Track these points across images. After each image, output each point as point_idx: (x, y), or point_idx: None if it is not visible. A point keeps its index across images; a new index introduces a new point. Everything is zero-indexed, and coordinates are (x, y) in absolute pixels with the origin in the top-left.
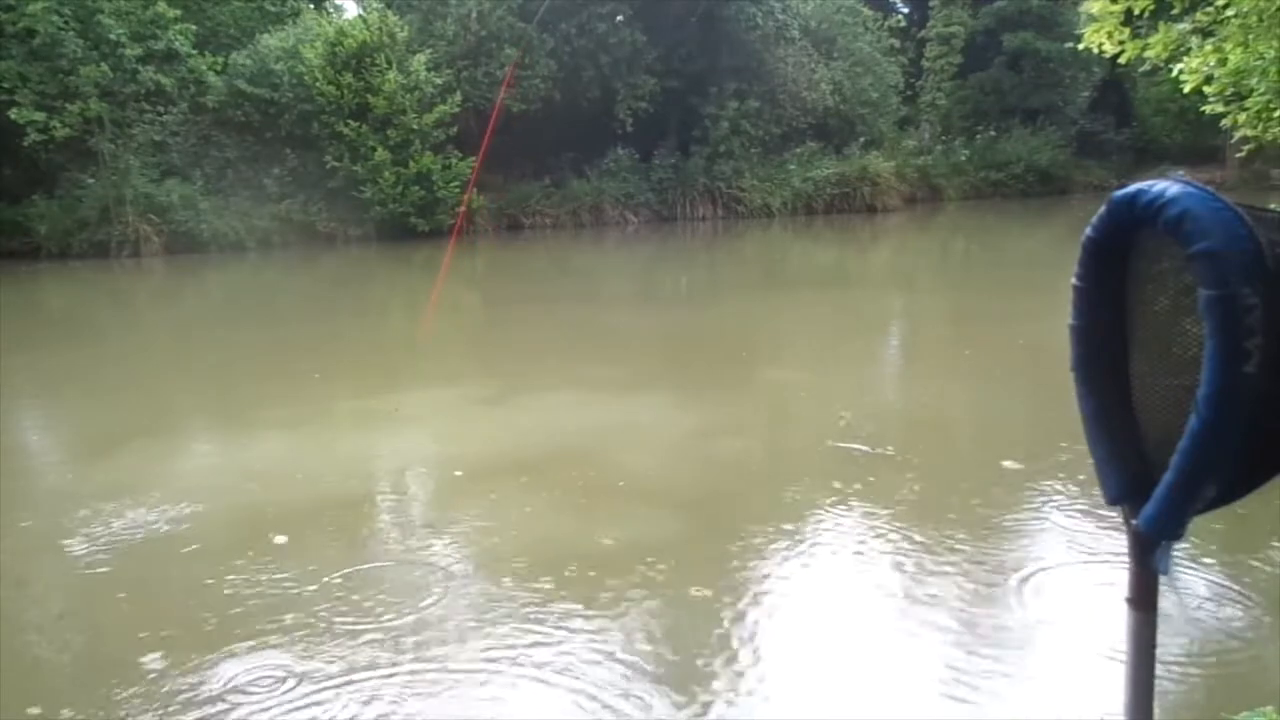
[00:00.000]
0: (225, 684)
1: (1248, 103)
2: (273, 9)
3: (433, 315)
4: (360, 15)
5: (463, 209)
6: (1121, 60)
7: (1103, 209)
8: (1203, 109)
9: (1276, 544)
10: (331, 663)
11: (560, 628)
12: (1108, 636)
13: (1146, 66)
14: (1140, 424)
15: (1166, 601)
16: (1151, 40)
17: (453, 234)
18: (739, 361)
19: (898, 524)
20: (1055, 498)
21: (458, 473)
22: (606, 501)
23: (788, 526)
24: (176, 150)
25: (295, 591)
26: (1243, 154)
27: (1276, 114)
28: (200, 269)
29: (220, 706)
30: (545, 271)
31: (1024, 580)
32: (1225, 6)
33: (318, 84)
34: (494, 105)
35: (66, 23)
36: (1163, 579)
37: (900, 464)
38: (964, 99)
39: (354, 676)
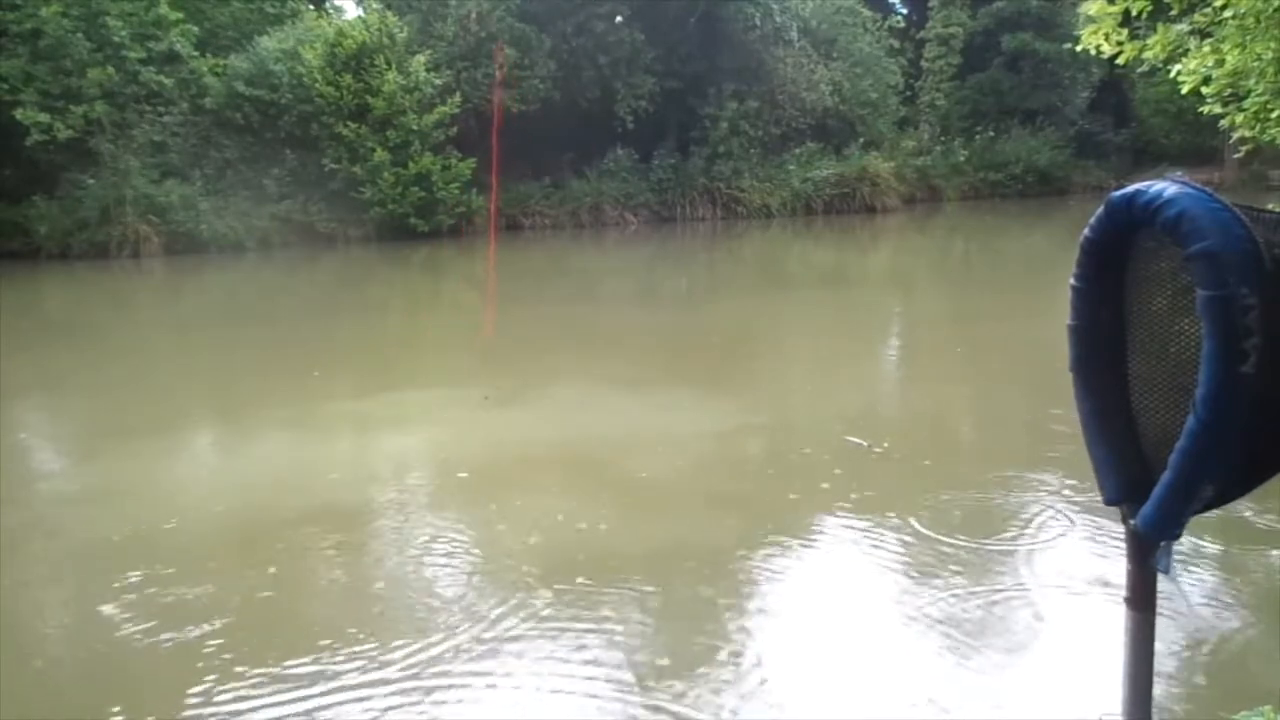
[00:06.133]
0: (229, 691)
1: (1245, 103)
2: (272, 10)
3: (491, 315)
4: (360, 16)
5: (493, 207)
6: (1120, 61)
7: (1101, 210)
8: (1201, 110)
9: (1275, 544)
10: (336, 668)
11: (567, 628)
12: (1106, 636)
13: (1145, 67)
14: (1138, 424)
15: (1165, 601)
16: (1150, 41)
17: (490, 233)
18: (741, 361)
19: (897, 521)
20: (1053, 497)
21: (463, 474)
22: (614, 501)
23: (792, 525)
24: (176, 151)
25: (298, 593)
26: (1241, 154)
27: (1274, 114)
28: (200, 269)
29: (223, 714)
30: (545, 272)
31: (1022, 579)
32: (1223, 8)
33: (317, 85)
34: (492, 107)
35: (76, 26)
36: (1162, 578)
37: (899, 461)
38: (963, 100)
39: (360, 681)
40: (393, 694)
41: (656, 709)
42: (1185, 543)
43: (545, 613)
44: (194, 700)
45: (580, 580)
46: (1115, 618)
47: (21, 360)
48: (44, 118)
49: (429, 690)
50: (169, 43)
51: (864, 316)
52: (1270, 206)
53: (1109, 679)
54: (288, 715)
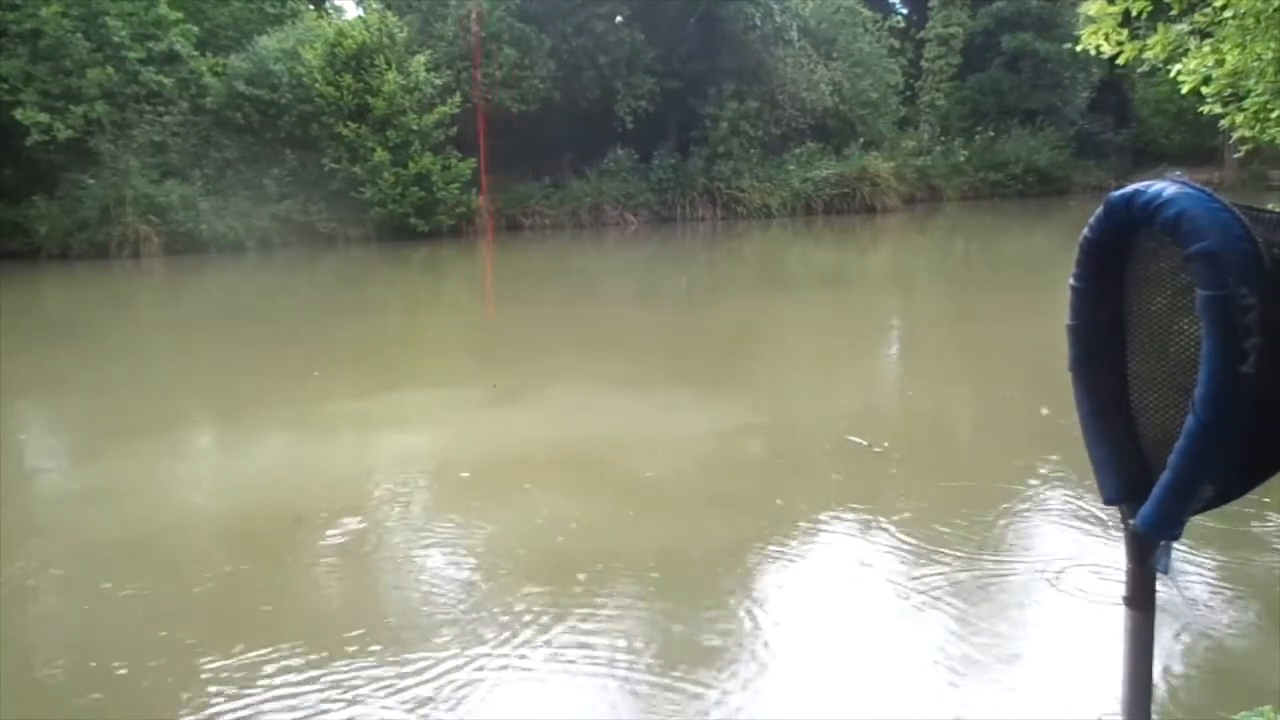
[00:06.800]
0: (229, 691)
1: (1245, 103)
2: (272, 10)
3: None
4: (360, 16)
5: (483, 206)
6: (1120, 61)
7: (1100, 210)
8: (1201, 110)
9: (1275, 544)
10: (338, 669)
11: (570, 628)
12: (1106, 635)
13: (1145, 67)
14: (1138, 424)
15: (1165, 601)
16: (1150, 41)
17: (488, 232)
18: (742, 361)
19: (896, 522)
20: (1052, 497)
21: (464, 474)
22: (615, 501)
23: (793, 525)
24: (176, 151)
25: (300, 594)
26: (1240, 154)
27: (1274, 114)
28: (200, 269)
29: (223, 715)
30: (545, 272)
31: (1022, 579)
32: (1223, 8)
33: (317, 85)
34: (490, 105)
35: (76, 26)
36: (1162, 578)
37: (900, 461)
38: (963, 100)
39: (362, 682)
40: (395, 694)
41: (660, 709)
42: (1185, 542)
43: (547, 612)
44: (194, 701)
45: (582, 580)
46: (1115, 617)
47: (21, 360)
48: (44, 118)
49: (431, 690)
50: (169, 43)
51: (864, 316)
52: (1270, 206)
53: (1109, 679)
54: (289, 716)
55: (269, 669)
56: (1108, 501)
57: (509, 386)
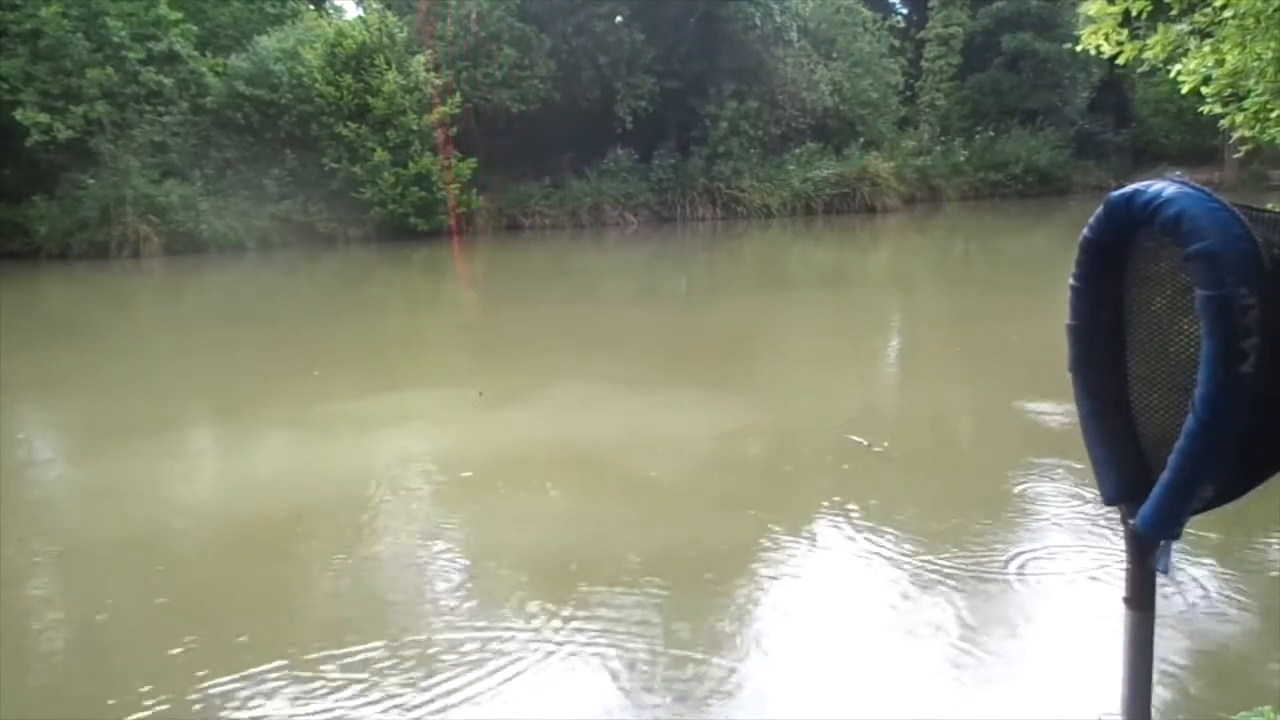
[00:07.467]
0: (229, 691)
1: (1245, 103)
2: (272, 10)
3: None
4: (360, 16)
5: (453, 208)
6: (1120, 61)
7: (1100, 210)
8: (1201, 109)
9: (1275, 544)
10: (337, 669)
11: (572, 628)
12: (1105, 635)
13: (1145, 67)
14: (1138, 424)
15: (1164, 601)
16: (1150, 41)
17: (452, 234)
18: (742, 361)
19: (896, 521)
20: (1053, 497)
21: (466, 473)
22: (616, 501)
23: (793, 525)
24: (176, 151)
25: (299, 594)
26: (1240, 154)
27: (1274, 114)
28: (200, 269)
29: (223, 714)
30: (545, 272)
31: (1022, 580)
32: (1223, 8)
33: (317, 85)
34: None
35: (76, 26)
36: (1162, 578)
37: (900, 460)
38: (963, 99)
39: (362, 682)
40: (397, 693)
41: (663, 707)
42: (1185, 542)
43: (549, 612)
44: (194, 701)
45: (585, 579)
46: (1115, 617)
47: (21, 360)
48: (44, 118)
49: (434, 689)
50: (169, 43)
51: (864, 316)
52: (1270, 206)
53: (1109, 678)
54: (287, 715)
55: (270, 668)
56: (1108, 501)
57: (510, 386)
